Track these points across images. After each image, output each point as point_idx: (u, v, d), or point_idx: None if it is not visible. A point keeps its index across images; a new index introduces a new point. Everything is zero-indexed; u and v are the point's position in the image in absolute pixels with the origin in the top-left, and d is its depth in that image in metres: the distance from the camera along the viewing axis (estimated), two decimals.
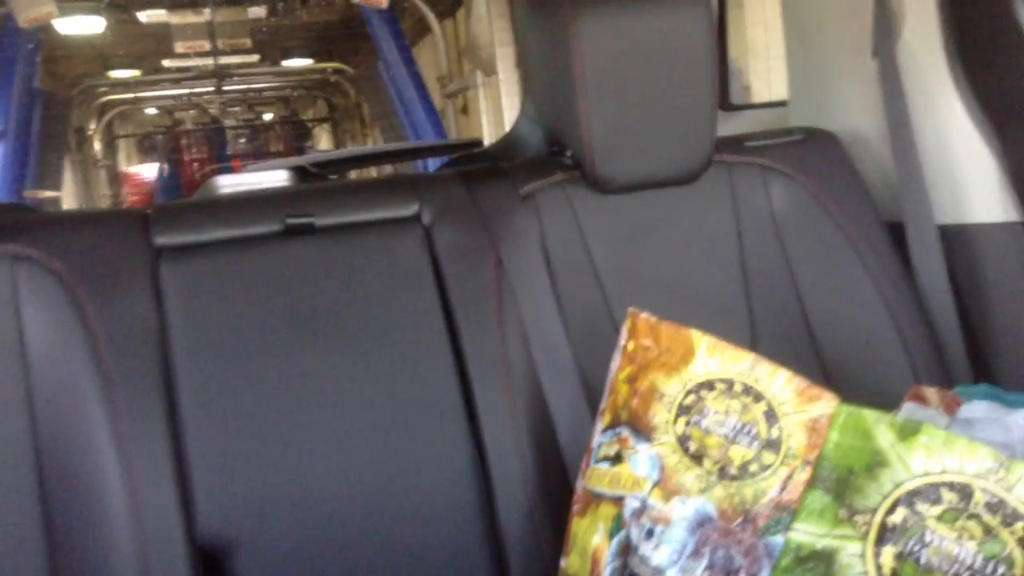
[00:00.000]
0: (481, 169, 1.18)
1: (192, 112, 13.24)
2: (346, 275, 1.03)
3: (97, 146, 10.19)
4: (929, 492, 0.66)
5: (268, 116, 14.94)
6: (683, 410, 0.78)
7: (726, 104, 1.91)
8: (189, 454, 0.91)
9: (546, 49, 1.14)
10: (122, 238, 0.99)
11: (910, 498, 0.66)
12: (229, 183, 1.53)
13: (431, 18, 6.17)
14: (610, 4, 1.06)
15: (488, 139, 4.88)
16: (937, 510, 0.65)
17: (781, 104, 1.45)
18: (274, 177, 1.63)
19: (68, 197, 7.71)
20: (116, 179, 11.52)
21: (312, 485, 0.94)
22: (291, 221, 1.04)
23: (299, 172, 1.80)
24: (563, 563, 0.84)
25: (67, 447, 0.89)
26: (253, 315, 0.98)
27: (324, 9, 7.01)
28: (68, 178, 7.89)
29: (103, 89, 9.52)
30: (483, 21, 4.86)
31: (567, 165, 1.14)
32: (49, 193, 6.40)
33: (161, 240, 1.00)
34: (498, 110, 5.02)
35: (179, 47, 6.86)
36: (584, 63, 1.06)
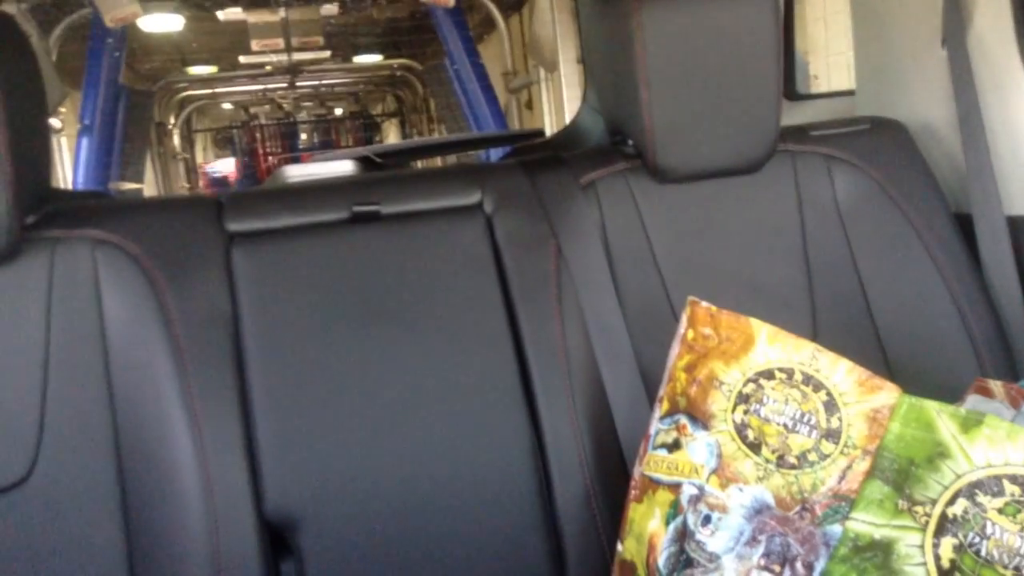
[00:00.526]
0: (542, 159, 1.19)
1: (266, 107, 13.51)
2: (410, 262, 1.05)
3: (176, 140, 10.44)
4: (991, 484, 0.65)
5: (339, 111, 15.15)
6: (742, 398, 0.78)
7: (792, 93, 1.89)
8: (258, 434, 0.95)
9: (609, 39, 1.15)
10: (197, 224, 1.03)
11: (971, 490, 0.66)
12: (297, 172, 1.57)
13: (496, 14, 6.20)
14: None
15: (550, 132, 4.85)
16: (999, 502, 0.65)
17: (849, 93, 1.43)
18: (340, 167, 1.66)
19: (149, 189, 7.91)
20: (193, 172, 11.80)
21: (374, 466, 0.96)
22: (357, 209, 1.06)
23: (364, 162, 1.83)
24: (619, 547, 0.85)
25: (143, 425, 0.92)
26: (320, 300, 1.01)
27: (393, 6, 7.08)
28: (148, 171, 8.10)
29: (182, 85, 9.76)
30: (546, 18, 4.90)
31: (628, 154, 1.14)
32: (132, 185, 6.60)
33: (233, 226, 1.03)
34: (560, 105, 5.05)
35: (255, 45, 7.00)
36: (647, 52, 1.06)
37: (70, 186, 5.44)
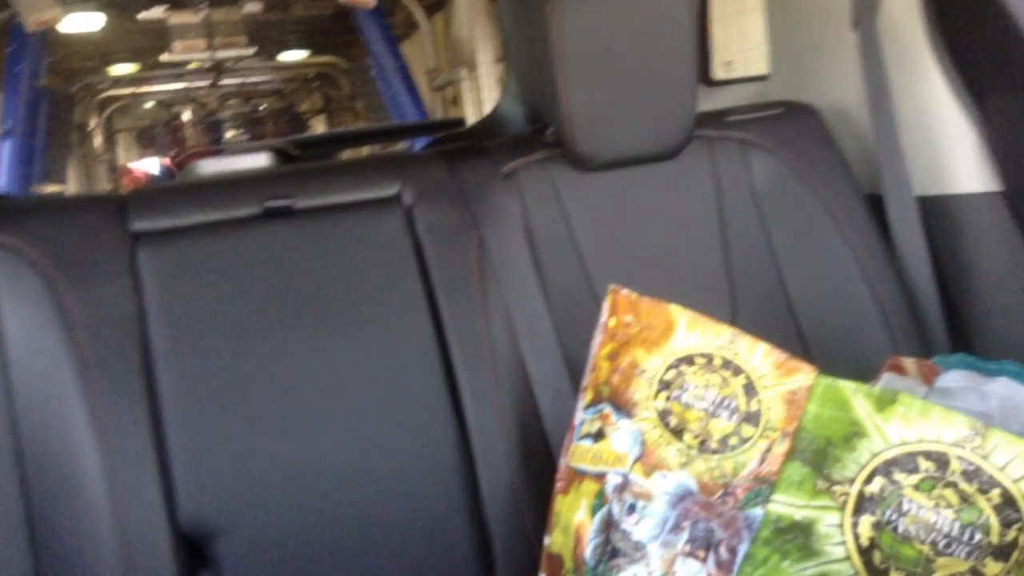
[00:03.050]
0: (462, 148, 1.17)
1: (190, 105, 13.28)
2: (327, 257, 1.02)
3: (98, 141, 10.22)
4: (906, 461, 0.66)
5: (264, 108, 14.95)
6: (663, 385, 0.78)
7: (707, 79, 1.90)
8: (170, 441, 0.91)
9: (526, 25, 1.14)
10: (99, 224, 0.98)
11: (887, 467, 0.67)
12: (210, 167, 1.52)
13: (419, 14, 6.23)
14: None
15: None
16: (914, 479, 0.66)
17: (763, 79, 1.44)
18: (255, 161, 1.61)
19: (72, 190, 7.81)
20: (116, 173, 11.55)
21: (295, 469, 0.94)
22: (270, 204, 1.03)
23: (282, 156, 1.79)
24: (547, 540, 0.85)
25: (47, 436, 0.88)
26: (233, 300, 0.98)
27: (319, 3, 7.03)
28: (72, 173, 8.01)
29: (103, 85, 9.54)
30: (463, 20, 5.09)
31: (549, 143, 1.13)
32: (55, 186, 6.51)
33: (139, 225, 0.99)
34: (480, 102, 5.20)
35: (177, 46, 6.88)
36: (563, 40, 1.05)
37: None
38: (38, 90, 5.84)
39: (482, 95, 5.00)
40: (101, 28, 6.62)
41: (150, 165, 12.70)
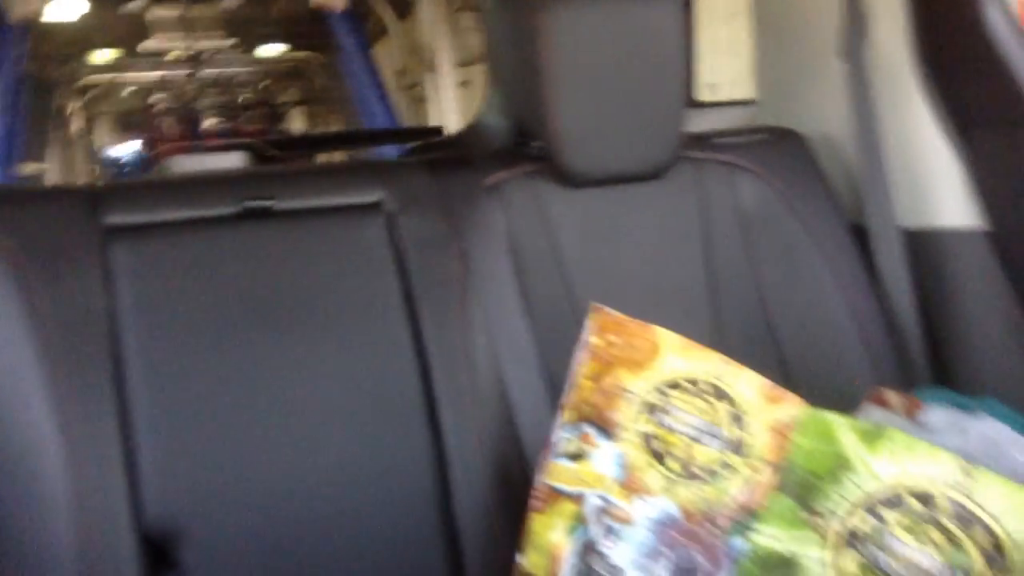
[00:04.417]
0: (446, 158, 1.16)
1: (168, 93, 13.31)
2: (305, 261, 1.00)
3: (76, 125, 10.25)
4: (892, 498, 0.66)
5: (244, 97, 14.99)
6: (648, 408, 0.77)
7: (690, 100, 1.90)
8: (138, 441, 0.89)
9: (514, 38, 1.13)
10: (71, 216, 0.96)
11: (873, 503, 0.66)
12: (186, 164, 1.50)
13: (388, 16, 6.47)
14: None
15: (439, 125, 5.32)
16: (900, 516, 0.65)
17: (749, 103, 1.45)
18: (232, 159, 1.59)
19: (52, 173, 7.99)
20: (94, 156, 11.58)
21: (264, 475, 0.92)
22: (249, 204, 1.01)
23: (257, 154, 1.76)
24: (520, 559, 0.83)
25: (8, 433, 0.85)
26: (207, 299, 0.95)
27: (295, 1, 7.14)
28: (52, 155, 8.16)
29: (83, 70, 9.57)
30: (426, 25, 5.52)
31: (534, 157, 1.12)
32: (36, 165, 6.70)
33: (112, 219, 0.97)
34: (439, 101, 5.67)
35: (156, 39, 7.03)
36: (552, 53, 1.04)
37: None
38: (21, 76, 6.01)
39: (441, 95, 5.52)
40: (82, 15, 6.70)
41: (126, 150, 12.80)
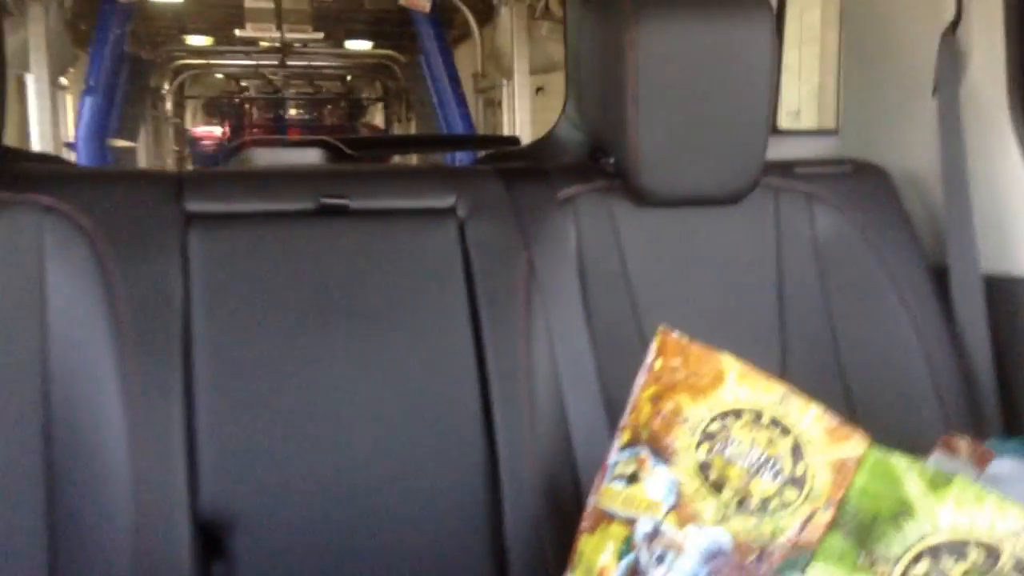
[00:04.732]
0: (520, 168, 1.16)
1: (257, 81, 13.71)
2: (376, 261, 1.01)
3: (168, 105, 10.67)
4: (955, 548, 0.63)
5: (327, 90, 15.38)
6: (707, 436, 0.75)
7: (773, 127, 1.88)
8: (199, 427, 0.90)
9: (599, 54, 1.12)
10: (154, 200, 0.98)
11: (935, 552, 0.64)
12: (263, 156, 1.53)
13: (472, 22, 6.63)
14: (671, 13, 1.04)
15: (506, 130, 5.83)
16: (962, 567, 0.63)
17: (831, 133, 1.42)
18: (309, 155, 1.62)
19: (141, 149, 8.46)
20: (182, 136, 11.97)
21: (319, 470, 0.93)
22: (325, 201, 1.02)
23: (334, 151, 1.79)
24: None
25: (76, 408, 0.88)
26: (278, 291, 0.97)
27: None
28: (143, 134, 8.62)
29: (179, 53, 9.97)
30: (506, 33, 5.68)
31: (609, 173, 1.12)
32: (126, 143, 6.99)
33: (193, 206, 0.99)
34: (512, 106, 5.82)
35: (249, 28, 7.39)
36: (638, 71, 1.03)
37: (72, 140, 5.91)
38: (122, 54, 6.35)
39: (515, 103, 5.70)
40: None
41: (214, 131, 13.28)
